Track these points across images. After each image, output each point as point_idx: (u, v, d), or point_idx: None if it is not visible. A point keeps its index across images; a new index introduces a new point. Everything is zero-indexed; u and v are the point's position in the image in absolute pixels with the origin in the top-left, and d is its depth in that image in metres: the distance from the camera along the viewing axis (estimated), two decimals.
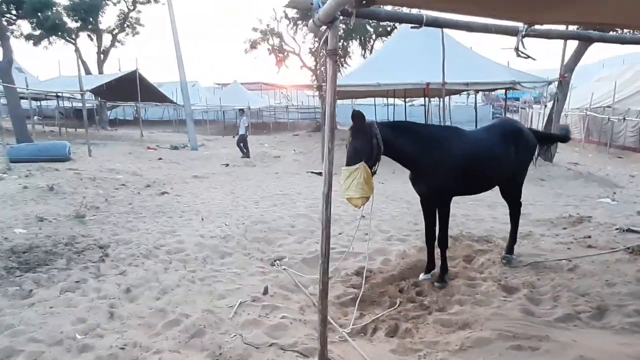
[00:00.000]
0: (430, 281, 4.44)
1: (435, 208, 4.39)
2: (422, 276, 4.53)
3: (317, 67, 28.63)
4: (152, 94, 25.64)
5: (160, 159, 14.76)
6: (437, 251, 4.50)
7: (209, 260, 4.99)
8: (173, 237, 5.62)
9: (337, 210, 7.49)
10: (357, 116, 3.81)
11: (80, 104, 18.09)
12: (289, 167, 13.75)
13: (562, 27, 2.77)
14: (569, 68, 14.33)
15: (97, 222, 6.27)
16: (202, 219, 6.64)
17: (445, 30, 12.58)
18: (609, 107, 18.40)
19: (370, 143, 3.82)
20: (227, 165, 13.66)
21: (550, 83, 13.46)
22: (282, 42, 27.75)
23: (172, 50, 18.77)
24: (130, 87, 22.21)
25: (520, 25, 2.69)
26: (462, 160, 4.09)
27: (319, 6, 2.50)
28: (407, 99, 26.19)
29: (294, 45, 28.05)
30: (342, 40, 27.00)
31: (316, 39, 26.99)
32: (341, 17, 2.50)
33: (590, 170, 11.80)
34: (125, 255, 4.82)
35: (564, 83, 13.85)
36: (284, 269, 4.91)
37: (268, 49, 27.53)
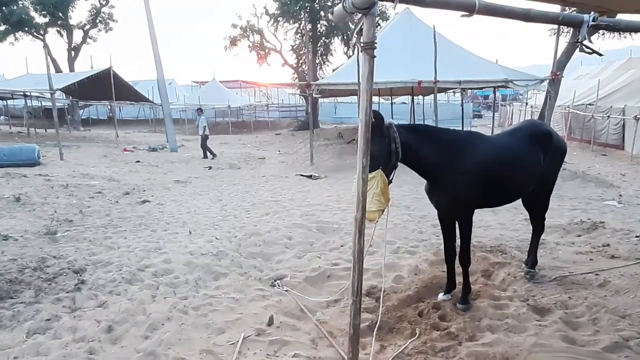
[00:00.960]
0: (452, 302, 4.00)
1: (454, 222, 3.94)
2: (441, 296, 4.09)
3: (299, 65, 28.06)
4: (127, 93, 24.58)
5: (138, 161, 13.95)
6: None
7: (201, 284, 4.42)
8: (159, 256, 5.02)
9: (334, 218, 7.03)
10: (375, 117, 3.31)
11: (50, 103, 17.01)
12: (276, 169, 13.16)
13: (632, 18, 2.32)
14: (560, 65, 14.19)
15: (71, 239, 5.58)
16: (190, 232, 6.04)
17: (437, 28, 12.32)
18: (590, 104, 18.44)
19: (389, 148, 3.33)
20: (210, 168, 12.98)
21: (542, 81, 13.26)
22: (263, 39, 27.02)
23: (148, 48, 17.90)
24: (103, 85, 21.16)
25: (585, 15, 2.24)
26: (486, 169, 3.67)
27: None
28: (392, 97, 25.89)
29: (275, 42, 27.41)
30: (323, 38, 26.49)
31: (297, 36, 26.45)
32: (380, 3, 2.01)
33: (583, 170, 11.64)
34: (105, 281, 4.20)
35: (555, 81, 13.70)
36: (286, 291, 4.40)
37: (249, 46, 26.77)
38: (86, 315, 3.55)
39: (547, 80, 13.39)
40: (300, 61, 28.01)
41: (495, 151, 3.80)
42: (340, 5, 2.12)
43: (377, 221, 3.35)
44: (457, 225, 3.93)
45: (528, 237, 5.95)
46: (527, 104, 25.73)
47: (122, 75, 23.29)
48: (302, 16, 24.82)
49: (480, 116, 38.34)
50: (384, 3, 2.05)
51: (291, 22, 25.77)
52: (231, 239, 5.78)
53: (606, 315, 3.65)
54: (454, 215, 3.88)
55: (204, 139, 15.17)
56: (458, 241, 3.97)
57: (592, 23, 2.19)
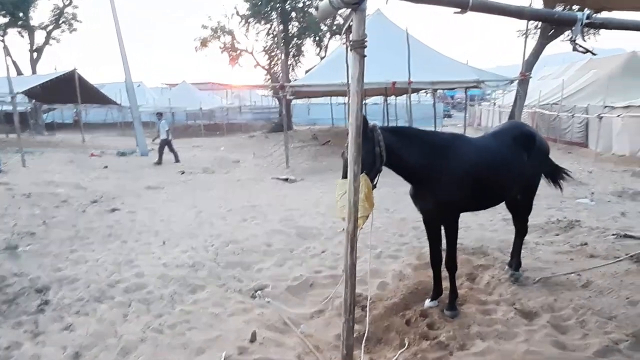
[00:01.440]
0: (439, 308, 3.91)
1: (440, 226, 3.85)
2: (428, 303, 3.99)
3: (271, 66, 27.81)
4: (93, 95, 23.68)
5: (106, 167, 13.39)
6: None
7: (177, 298, 4.17)
8: (130, 269, 4.73)
9: (314, 223, 6.87)
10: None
11: (10, 107, 16.16)
12: (251, 173, 12.87)
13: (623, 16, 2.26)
14: (529, 66, 14.53)
15: (34, 254, 5.20)
16: (164, 243, 5.75)
17: (410, 30, 12.42)
18: (555, 104, 18.96)
19: (373, 152, 3.19)
20: (183, 172, 12.57)
21: (512, 81, 13.54)
22: (234, 40, 26.64)
23: (116, 49, 17.30)
24: (68, 88, 20.29)
25: (579, 13, 2.16)
26: (472, 172, 3.59)
27: None
28: (365, 98, 25.97)
29: (246, 43, 27.09)
30: (295, 39, 26.32)
31: (269, 37, 26.18)
32: None
33: None
34: (71, 301, 3.90)
35: (524, 81, 14.02)
36: (268, 302, 4.20)
37: (220, 47, 26.33)
38: (50, 340, 3.26)
39: (517, 81, 13.71)
40: (273, 62, 27.77)
41: (481, 153, 3.73)
42: (327, 0, 1.96)
43: (362, 228, 3.20)
44: (442, 229, 3.84)
45: (508, 238, 5.98)
46: (494, 104, 26.26)
47: (88, 77, 22.50)
48: (273, 17, 24.60)
49: (450, 116, 39.05)
50: None
51: (262, 23, 25.52)
52: (208, 248, 5.54)
53: (593, 317, 3.63)
54: (440, 219, 3.79)
55: (166, 143, 14.66)
56: (443, 245, 3.89)
57: (586, 21, 2.10)
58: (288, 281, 4.67)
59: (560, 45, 15.93)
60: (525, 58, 13.73)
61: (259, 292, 4.43)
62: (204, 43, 25.93)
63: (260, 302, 4.21)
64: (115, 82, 30.73)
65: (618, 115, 14.33)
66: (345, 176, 3.13)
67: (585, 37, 2.27)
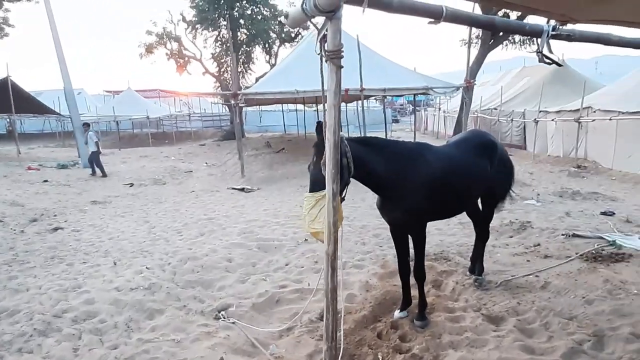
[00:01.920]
0: (409, 319, 3.88)
1: (407, 236, 3.84)
2: (397, 314, 3.95)
3: (221, 73, 27.26)
4: (28, 104, 22.02)
5: (45, 181, 12.44)
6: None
7: (134, 326, 3.86)
8: (79, 296, 4.34)
9: (275, 235, 6.71)
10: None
11: None
12: (206, 183, 12.44)
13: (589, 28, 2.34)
14: (472, 74, 15.16)
15: None
16: (115, 263, 5.35)
17: (361, 38, 12.55)
18: (495, 109, 19.98)
19: (341, 164, 3.10)
20: (132, 185, 11.93)
21: (458, 88, 14.03)
22: (181, 46, 25.84)
23: (53, 55, 16.20)
24: (0, 96, 18.75)
25: (545, 25, 2.21)
26: (439, 181, 3.60)
27: None
28: (313, 105, 26.05)
29: (194, 50, 26.35)
30: (244, 46, 25.98)
31: (217, 44, 25.66)
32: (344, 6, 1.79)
33: None
34: (12, 336, 3.49)
35: (469, 88, 14.59)
36: (233, 323, 3.99)
37: (166, 54, 25.44)
38: None
39: (462, 88, 14.25)
40: (222, 70, 27.24)
41: (446, 163, 3.75)
42: (299, 7, 1.86)
43: None
44: (410, 239, 3.83)
45: (466, 241, 6.14)
46: (440, 109, 27.25)
47: (22, 85, 20.86)
48: (221, 24, 24.14)
49: (397, 121, 40.12)
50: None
51: (210, 29, 24.97)
52: (164, 267, 5.22)
53: (555, 318, 3.74)
54: (408, 229, 3.77)
55: (96, 155, 13.91)
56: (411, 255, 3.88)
57: (553, 33, 2.14)
58: (253, 298, 4.49)
59: (496, 54, 16.92)
60: (470, 66, 14.31)
61: (222, 312, 4.21)
62: (149, 49, 24.96)
63: (225, 323, 3.99)
64: (53, 89, 28.88)
65: (552, 119, 15.31)
66: (312, 190, 3.03)
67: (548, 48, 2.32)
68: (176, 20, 25.30)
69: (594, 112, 13.25)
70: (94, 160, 13.93)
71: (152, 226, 7.31)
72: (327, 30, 1.85)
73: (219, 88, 27.20)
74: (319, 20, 1.95)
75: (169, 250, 5.87)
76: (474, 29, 14.40)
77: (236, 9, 23.94)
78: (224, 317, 4.10)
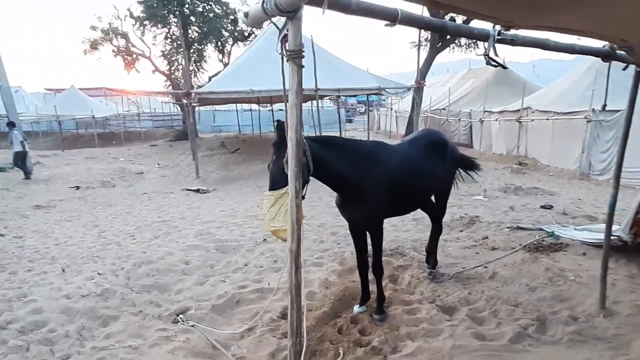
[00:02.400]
0: (368, 313, 4.00)
1: (366, 233, 3.95)
2: (357, 309, 4.06)
3: (172, 72, 26.49)
4: None
5: None
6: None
7: (87, 334, 3.72)
8: (25, 306, 4.10)
9: (232, 235, 6.65)
10: (284, 129, 3.11)
11: None
12: (158, 184, 12.06)
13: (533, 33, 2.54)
14: (422, 75, 15.70)
15: None
16: (63, 270, 5.10)
17: (315, 39, 12.65)
18: (444, 109, 20.84)
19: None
20: (78, 187, 11.34)
21: (409, 89, 14.48)
22: (128, 43, 24.83)
23: None
24: None
25: (491, 30, 2.37)
26: (395, 178, 3.73)
27: None
28: (268, 105, 25.94)
29: (143, 47, 25.41)
30: (196, 44, 25.40)
31: (167, 41, 24.91)
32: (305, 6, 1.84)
33: None
34: None
35: (420, 88, 15.12)
36: (192, 326, 3.94)
37: (113, 51, 24.35)
38: None
39: (413, 88, 14.75)
40: (173, 68, 26.48)
41: (402, 161, 3.88)
42: (259, 6, 1.88)
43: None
44: (368, 236, 3.94)
45: (420, 237, 6.38)
46: (392, 109, 27.98)
47: None
48: (171, 20, 23.46)
49: (350, 121, 40.75)
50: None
51: (159, 26, 24.18)
52: (117, 272, 5.04)
53: (503, 306, 3.99)
54: (366, 226, 3.87)
55: (22, 156, 13.14)
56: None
57: (498, 37, 2.30)
58: (212, 300, 4.43)
59: (443, 56, 17.69)
60: (419, 67, 14.84)
61: (181, 315, 4.13)
62: (93, 46, 23.78)
63: (184, 326, 3.93)
64: None
65: (496, 119, 16.18)
66: (272, 188, 3.06)
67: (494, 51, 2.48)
68: (123, 16, 24.30)
69: (533, 112, 14.13)
70: (19, 161, 13.07)
71: (103, 230, 7.02)
72: (287, 30, 1.88)
73: (170, 87, 26.41)
74: (280, 20, 1.99)
75: (121, 255, 5.67)
76: (423, 32, 14.92)
77: (186, 5, 23.33)
78: (183, 321, 4.03)
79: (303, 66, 1.92)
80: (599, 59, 3.14)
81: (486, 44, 2.42)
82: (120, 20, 24.23)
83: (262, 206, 3.07)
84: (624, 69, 3.31)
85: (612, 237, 4.36)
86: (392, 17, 2.10)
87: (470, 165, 4.96)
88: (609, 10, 2.13)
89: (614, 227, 4.60)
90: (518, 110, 14.58)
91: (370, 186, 3.58)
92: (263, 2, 1.85)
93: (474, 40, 18.45)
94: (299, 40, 1.86)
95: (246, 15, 2.06)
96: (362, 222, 3.85)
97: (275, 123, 3.13)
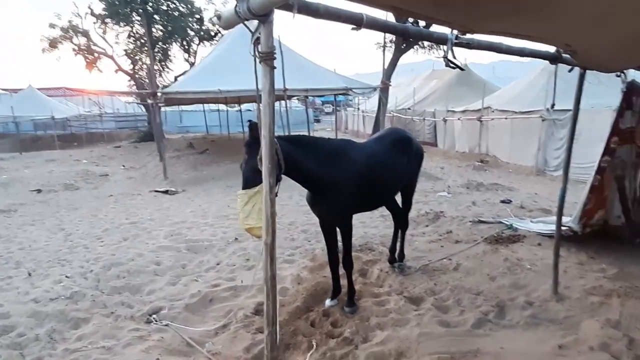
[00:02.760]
0: (339, 306, 4.15)
1: (336, 229, 4.10)
2: (328, 303, 4.20)
3: (136, 71, 25.88)
4: None
5: None
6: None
7: (57, 337, 3.68)
8: None
9: (204, 235, 6.66)
10: (256, 129, 3.21)
11: None
12: (125, 186, 11.82)
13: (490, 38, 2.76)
14: (387, 75, 16.05)
15: None
16: (29, 274, 4.99)
17: (282, 39, 12.74)
18: (409, 109, 21.38)
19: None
20: (40, 191, 10.96)
21: (375, 89, 14.78)
22: (89, 41, 24.06)
23: None
24: None
25: (449, 34, 2.57)
26: (363, 175, 3.88)
27: None
28: (236, 104, 25.76)
29: (105, 45, 24.68)
30: (160, 43, 24.92)
31: (131, 40, 24.31)
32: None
33: None
34: None
35: (385, 89, 15.46)
36: (166, 325, 3.97)
37: (73, 50, 23.52)
38: None
39: (379, 88, 15.08)
40: (137, 67, 25.88)
41: (369, 158, 4.04)
42: (232, 9, 1.98)
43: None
44: (337, 231, 4.08)
45: (387, 232, 6.57)
46: (359, 109, 28.39)
47: None
48: (133, 19, 22.93)
49: (318, 121, 41.00)
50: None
51: (122, 24, 23.56)
52: (86, 275, 4.98)
53: (466, 295, 4.23)
54: (336, 222, 4.01)
55: None
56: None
57: (455, 41, 2.50)
58: (185, 299, 4.46)
59: (409, 57, 18.16)
60: (385, 68, 15.21)
61: (154, 315, 4.15)
62: (52, 44, 22.89)
63: (158, 326, 3.95)
64: None
65: (458, 119, 16.77)
66: (245, 187, 3.16)
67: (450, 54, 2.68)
68: (83, 14, 23.50)
69: (493, 111, 14.72)
70: None
71: (68, 234, 6.86)
72: (260, 33, 1.99)
73: (134, 87, 25.80)
74: (252, 23, 2.08)
75: (89, 258, 5.58)
76: (388, 35, 15.27)
77: (150, 3, 22.85)
78: (156, 320, 4.05)
79: (275, 67, 2.03)
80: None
81: (445, 47, 2.62)
82: (81, 18, 23.45)
83: (236, 205, 3.16)
84: (570, 71, 3.59)
85: (563, 228, 4.70)
86: (357, 21, 2.24)
87: None
88: (553, 18, 2.35)
89: (566, 219, 4.96)
90: (479, 109, 15.16)
91: (339, 183, 3.72)
92: (236, 6, 1.94)
93: (438, 44, 19.01)
94: (271, 43, 1.96)
95: (219, 17, 2.14)
96: (332, 218, 3.99)
97: (248, 123, 3.22)
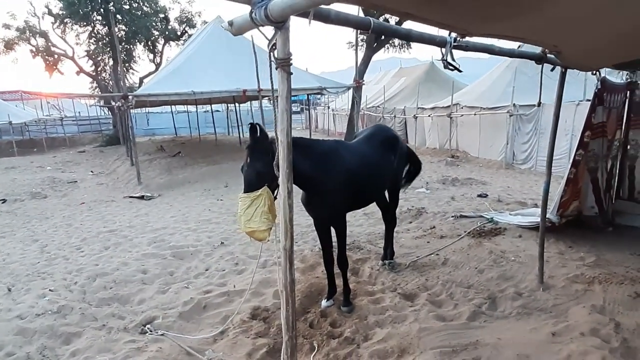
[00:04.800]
0: (336, 306, 4.19)
1: (330, 228, 4.14)
2: (324, 303, 4.24)
3: (98, 73, 25.03)
4: None
5: None
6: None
7: (49, 354, 3.54)
8: None
9: (188, 241, 6.56)
10: (258, 132, 3.21)
11: None
12: (96, 193, 11.41)
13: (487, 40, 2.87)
14: (360, 74, 16.20)
15: None
16: (9, 290, 4.76)
17: (256, 41, 12.65)
18: (379, 106, 21.69)
19: (273, 164, 3.28)
20: (5, 201, 10.43)
21: (349, 88, 14.91)
22: (48, 42, 23.04)
23: None
24: None
25: (447, 37, 2.65)
26: (355, 175, 3.95)
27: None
28: (206, 105, 25.36)
29: (65, 47, 23.72)
30: (123, 43, 24.18)
31: (92, 40, 23.44)
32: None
33: None
34: None
35: (358, 87, 15.60)
36: (162, 335, 3.89)
37: (31, 51, 22.45)
38: None
39: (352, 87, 15.21)
40: (99, 68, 25.03)
41: (361, 158, 4.11)
42: (246, 15, 1.97)
43: (268, 240, 3.26)
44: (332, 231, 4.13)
45: (373, 230, 6.69)
46: (329, 107, 28.53)
47: None
48: (94, 18, 22.13)
49: None
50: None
51: (82, 24, 22.70)
52: (71, 287, 4.80)
53: (457, 288, 4.36)
54: (331, 221, 4.06)
55: None
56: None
57: (454, 44, 2.58)
58: (178, 307, 4.38)
59: (375, 55, 18.38)
60: (358, 67, 15.34)
61: (148, 326, 4.05)
62: (8, 46, 21.77)
63: (154, 336, 3.87)
64: None
65: (428, 115, 17.14)
66: (247, 190, 3.15)
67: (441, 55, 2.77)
68: (40, 13, 22.48)
69: (462, 108, 15.15)
70: None
71: (44, 245, 6.58)
72: (276, 40, 1.99)
73: (97, 89, 24.93)
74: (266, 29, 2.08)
75: (71, 269, 5.38)
76: (360, 33, 15.39)
77: (112, 3, 22.11)
78: (151, 330, 3.96)
79: (292, 73, 2.04)
80: (517, 59, 3.57)
81: (444, 50, 2.70)
82: (38, 18, 22.42)
83: (238, 207, 3.15)
84: (552, 70, 3.76)
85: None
86: (366, 26, 2.29)
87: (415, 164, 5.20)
88: (544, 21, 2.48)
89: None
90: (448, 106, 15.55)
91: (333, 183, 3.77)
92: (251, 12, 1.94)
93: (408, 42, 19.36)
94: (287, 49, 1.97)
95: (231, 24, 2.13)
96: (327, 218, 4.03)
97: (249, 126, 3.21)
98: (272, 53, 2.03)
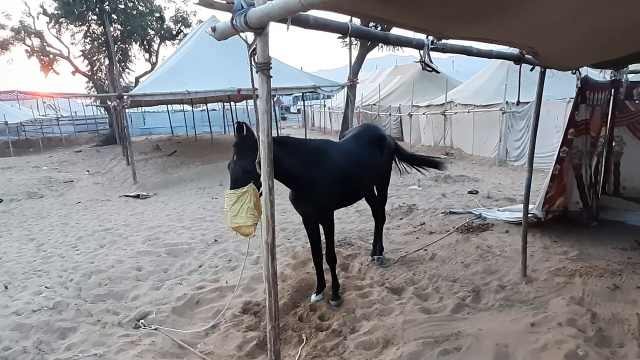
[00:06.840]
0: (325, 300, 4.31)
1: (318, 225, 4.25)
2: (314, 297, 4.35)
3: (94, 72, 25.03)
4: None
5: None
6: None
7: (46, 348, 3.65)
8: None
9: (182, 238, 6.66)
10: (244, 130, 3.31)
11: None
12: (92, 192, 11.49)
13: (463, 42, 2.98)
14: (354, 73, 16.32)
15: None
16: (6, 287, 4.86)
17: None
18: (374, 104, 21.79)
19: (254, 162, 3.39)
20: (1, 200, 10.51)
21: (343, 86, 15.01)
22: (43, 42, 23.03)
23: None
24: None
25: (425, 39, 2.76)
26: (342, 173, 4.06)
27: (242, 7, 2.00)
28: (202, 105, 25.40)
29: (60, 47, 23.71)
30: (119, 42, 24.19)
31: (87, 40, 23.45)
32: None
33: None
34: None
35: (353, 86, 15.72)
36: (155, 329, 4.00)
37: (26, 51, 22.44)
38: None
39: (347, 86, 15.33)
40: (95, 68, 25.03)
41: (348, 156, 4.22)
42: (228, 22, 2.08)
43: (254, 235, 3.36)
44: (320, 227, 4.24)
45: (364, 227, 6.81)
46: (325, 106, 28.62)
47: None
48: (90, 18, 22.13)
49: (285, 119, 41.02)
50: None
51: (77, 24, 22.69)
52: (66, 285, 4.91)
53: (443, 282, 4.48)
54: (318, 219, 4.17)
55: None
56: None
57: (431, 46, 2.69)
58: (172, 303, 4.50)
59: (371, 53, 18.51)
60: (352, 66, 15.47)
61: (142, 320, 4.17)
62: (3, 46, 21.76)
63: (147, 330, 3.98)
64: None
65: (423, 113, 17.26)
66: (234, 187, 3.26)
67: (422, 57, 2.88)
68: (35, 13, 22.47)
69: (456, 105, 15.27)
70: None
71: (40, 243, 6.68)
72: (256, 45, 2.09)
73: (93, 89, 24.95)
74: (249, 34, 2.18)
75: (67, 267, 5.48)
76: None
77: (107, 2, 22.11)
78: (145, 325, 4.07)
79: (271, 76, 2.15)
80: None
81: (422, 52, 2.81)
82: (33, 18, 22.42)
83: (225, 204, 3.26)
84: (531, 69, 3.88)
85: (528, 215, 5.03)
86: (343, 30, 2.40)
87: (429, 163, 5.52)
88: (517, 24, 2.59)
89: (530, 206, 5.31)
90: (443, 104, 15.66)
91: (320, 181, 3.87)
92: (232, 18, 2.04)
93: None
94: (267, 54, 2.07)
95: (214, 29, 2.23)
96: (315, 215, 4.14)
97: (236, 125, 3.32)
98: (252, 58, 2.14)
